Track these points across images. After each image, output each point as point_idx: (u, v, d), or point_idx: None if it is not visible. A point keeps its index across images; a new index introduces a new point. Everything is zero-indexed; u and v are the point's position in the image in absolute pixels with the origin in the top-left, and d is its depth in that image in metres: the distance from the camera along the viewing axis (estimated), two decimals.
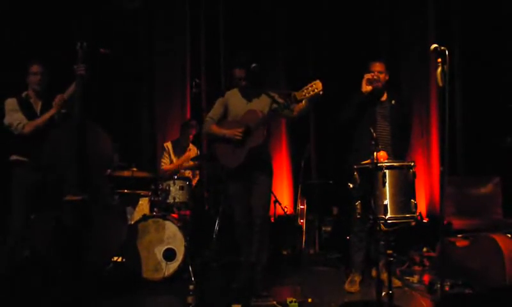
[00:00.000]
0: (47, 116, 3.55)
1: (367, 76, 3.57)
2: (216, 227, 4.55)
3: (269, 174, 3.65)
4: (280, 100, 3.46)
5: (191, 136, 4.91)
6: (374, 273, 3.89)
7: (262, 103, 3.57)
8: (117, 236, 3.42)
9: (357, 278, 3.67)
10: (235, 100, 3.66)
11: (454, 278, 3.43)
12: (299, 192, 5.18)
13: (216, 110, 3.69)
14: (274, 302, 3.18)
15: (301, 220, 4.95)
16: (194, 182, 4.76)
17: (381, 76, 3.64)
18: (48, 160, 3.37)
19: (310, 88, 3.22)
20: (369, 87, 3.56)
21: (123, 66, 5.35)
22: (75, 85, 3.48)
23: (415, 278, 3.81)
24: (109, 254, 3.56)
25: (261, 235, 3.52)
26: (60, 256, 3.22)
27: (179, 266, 3.87)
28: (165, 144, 4.99)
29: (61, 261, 3.23)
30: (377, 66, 3.65)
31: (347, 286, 3.61)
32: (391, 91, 3.74)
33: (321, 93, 3.18)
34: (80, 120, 3.39)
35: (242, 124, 3.49)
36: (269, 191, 3.68)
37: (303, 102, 3.33)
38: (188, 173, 4.82)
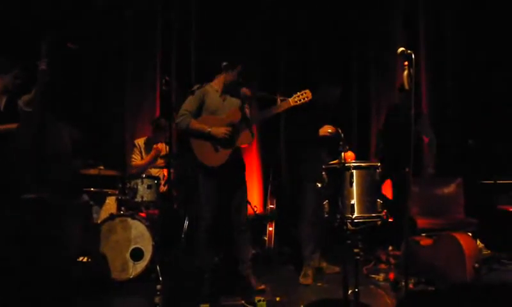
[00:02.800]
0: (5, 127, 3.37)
1: (331, 130, 3.72)
2: (185, 226, 4.52)
3: (244, 174, 3.66)
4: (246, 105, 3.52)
5: (163, 137, 4.72)
6: (336, 269, 4.11)
7: (235, 103, 3.54)
8: (79, 236, 3.33)
9: (310, 271, 3.80)
10: (212, 95, 3.52)
11: (419, 276, 3.53)
12: (269, 191, 5.20)
13: (192, 103, 3.48)
14: (243, 302, 3.18)
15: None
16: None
17: None
18: (8, 158, 3.25)
19: (301, 96, 3.42)
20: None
21: (93, 62, 5.23)
22: (37, 80, 3.31)
23: (381, 276, 3.89)
24: (70, 254, 3.45)
25: (247, 234, 3.56)
26: (21, 256, 3.11)
27: (147, 266, 3.82)
28: (136, 141, 4.89)
29: (22, 261, 3.12)
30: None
31: (301, 280, 3.76)
32: None
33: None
34: (40, 116, 3.23)
35: (228, 122, 3.41)
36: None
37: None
38: (157, 172, 4.74)
